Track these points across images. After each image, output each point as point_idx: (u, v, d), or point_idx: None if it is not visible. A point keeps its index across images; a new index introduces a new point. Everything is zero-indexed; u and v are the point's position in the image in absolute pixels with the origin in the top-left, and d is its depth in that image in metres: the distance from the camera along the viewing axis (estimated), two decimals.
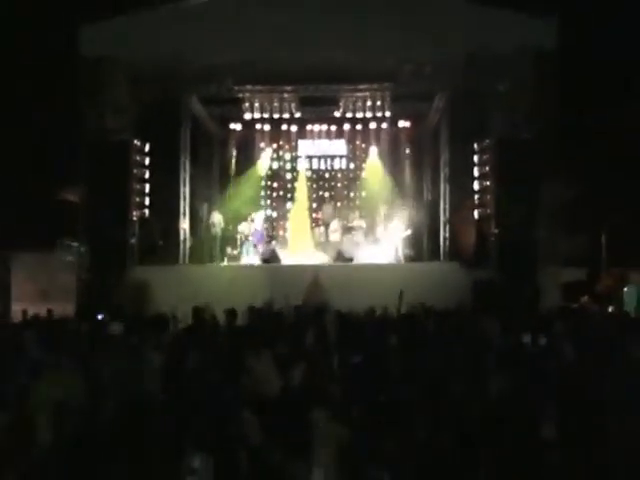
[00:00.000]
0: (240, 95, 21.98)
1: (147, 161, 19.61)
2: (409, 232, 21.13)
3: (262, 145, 24.21)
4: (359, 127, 23.53)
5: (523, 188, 18.04)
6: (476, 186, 19.75)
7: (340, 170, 24.63)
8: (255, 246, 21.32)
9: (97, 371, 6.29)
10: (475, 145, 19.71)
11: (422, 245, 22.12)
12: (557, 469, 4.70)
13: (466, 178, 20.10)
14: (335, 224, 22.10)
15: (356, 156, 24.57)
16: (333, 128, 23.83)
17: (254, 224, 21.70)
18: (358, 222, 22.20)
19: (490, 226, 18.97)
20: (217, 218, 21.77)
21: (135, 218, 19.11)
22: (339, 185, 24.42)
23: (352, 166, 24.61)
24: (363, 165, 24.52)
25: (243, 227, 21.53)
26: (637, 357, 6.72)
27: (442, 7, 17.81)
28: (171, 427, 4.30)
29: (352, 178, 24.42)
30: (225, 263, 21.36)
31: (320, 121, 23.74)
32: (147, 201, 19.57)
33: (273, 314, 12.49)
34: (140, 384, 6.01)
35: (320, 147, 24.34)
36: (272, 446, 4.06)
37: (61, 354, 6.74)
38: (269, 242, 22.38)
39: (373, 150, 23.93)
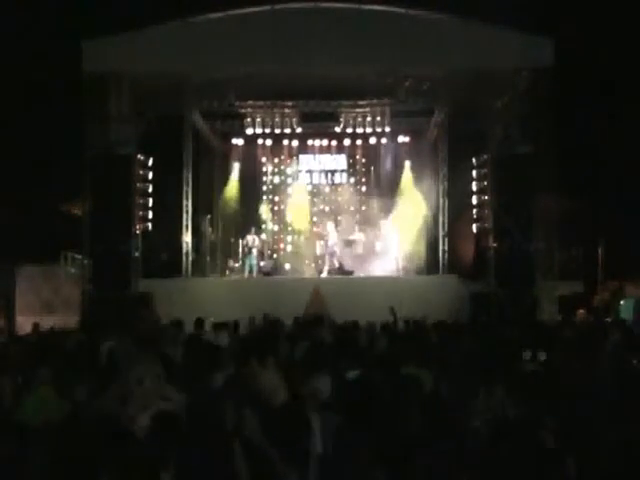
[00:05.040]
0: (242, 110, 22.29)
1: (150, 175, 19.76)
2: (406, 245, 21.38)
3: (263, 160, 24.48)
4: (359, 142, 23.80)
5: (520, 202, 18.26)
6: (474, 200, 19.97)
7: (340, 184, 24.86)
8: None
9: None
10: (473, 160, 19.94)
11: (421, 258, 22.30)
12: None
13: (464, 192, 20.33)
14: (335, 238, 22.25)
15: (356, 170, 24.82)
16: (334, 143, 24.08)
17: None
18: (358, 236, 22.37)
19: (488, 239, 19.18)
20: (208, 229, 22.10)
21: (138, 231, 19.28)
22: (339, 199, 24.61)
23: (352, 180, 24.84)
24: (363, 179, 24.77)
25: (247, 240, 21.62)
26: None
27: (441, 25, 18.07)
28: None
29: (352, 192, 24.62)
30: (227, 275, 21.60)
31: (321, 136, 24.00)
32: (150, 215, 19.72)
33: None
34: None
35: (321, 162, 24.60)
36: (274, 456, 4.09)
37: None
38: (270, 255, 22.59)
39: (373, 164, 24.22)
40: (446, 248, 21.34)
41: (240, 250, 21.91)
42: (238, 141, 23.89)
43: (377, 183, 24.33)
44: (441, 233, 21.49)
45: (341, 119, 22.62)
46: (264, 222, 23.79)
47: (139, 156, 19.33)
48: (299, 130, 22.77)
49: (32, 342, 10.62)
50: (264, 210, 24.00)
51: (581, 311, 16.53)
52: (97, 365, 7.43)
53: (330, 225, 22.16)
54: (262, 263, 21.61)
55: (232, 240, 22.46)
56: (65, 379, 6.15)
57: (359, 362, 6.84)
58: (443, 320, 12.72)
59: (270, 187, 24.86)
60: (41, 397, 5.91)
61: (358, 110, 22.38)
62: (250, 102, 22.03)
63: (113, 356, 7.75)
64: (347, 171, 24.78)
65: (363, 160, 24.60)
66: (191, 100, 21.00)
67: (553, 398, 5.22)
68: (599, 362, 7.66)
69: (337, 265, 21.07)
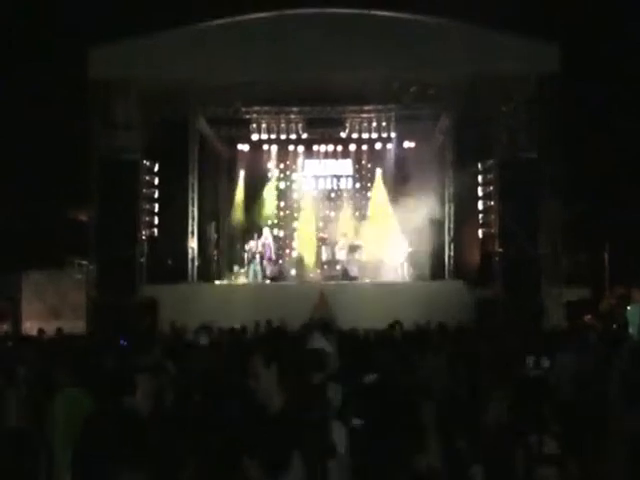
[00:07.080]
0: (247, 116, 22.34)
1: (156, 181, 19.83)
2: (412, 250, 21.33)
3: (269, 165, 24.49)
4: (365, 147, 23.79)
5: (526, 207, 18.23)
6: (480, 205, 19.94)
7: (346, 189, 24.85)
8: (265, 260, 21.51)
9: None
10: (479, 165, 19.92)
11: (427, 264, 22.23)
12: None
13: (470, 198, 20.30)
14: (341, 243, 22.23)
15: (362, 176, 24.81)
16: (339, 148, 24.05)
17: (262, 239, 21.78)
18: (364, 241, 22.33)
19: (494, 245, 19.12)
20: (213, 234, 22.16)
21: (144, 237, 19.31)
22: (345, 204, 24.59)
23: (358, 185, 24.84)
24: (369, 185, 24.76)
25: (251, 245, 21.62)
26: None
27: (446, 30, 18.08)
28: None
29: (358, 197, 24.61)
30: (233, 280, 21.60)
31: (326, 142, 23.97)
32: (156, 220, 19.77)
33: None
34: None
35: (326, 167, 24.59)
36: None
37: None
38: (277, 261, 22.59)
39: (378, 170, 24.21)
40: (452, 253, 21.30)
41: (245, 256, 21.88)
42: (244, 147, 23.89)
43: (382, 188, 24.28)
44: (447, 238, 21.43)
45: (347, 124, 22.64)
46: (270, 227, 23.79)
47: (145, 162, 19.39)
48: (305, 136, 22.81)
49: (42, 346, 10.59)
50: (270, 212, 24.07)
51: (588, 317, 16.48)
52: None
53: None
54: (268, 268, 21.59)
55: (238, 246, 22.44)
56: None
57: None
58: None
59: (276, 193, 24.87)
60: (69, 397, 5.90)
61: (364, 115, 22.40)
62: (256, 108, 22.08)
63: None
64: (352, 176, 24.78)
65: (369, 165, 24.60)
66: (197, 106, 21.06)
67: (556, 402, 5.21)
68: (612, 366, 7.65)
69: (342, 270, 21.09)
